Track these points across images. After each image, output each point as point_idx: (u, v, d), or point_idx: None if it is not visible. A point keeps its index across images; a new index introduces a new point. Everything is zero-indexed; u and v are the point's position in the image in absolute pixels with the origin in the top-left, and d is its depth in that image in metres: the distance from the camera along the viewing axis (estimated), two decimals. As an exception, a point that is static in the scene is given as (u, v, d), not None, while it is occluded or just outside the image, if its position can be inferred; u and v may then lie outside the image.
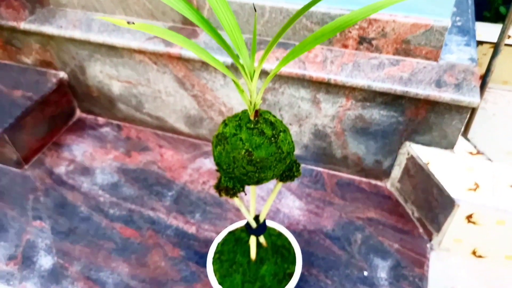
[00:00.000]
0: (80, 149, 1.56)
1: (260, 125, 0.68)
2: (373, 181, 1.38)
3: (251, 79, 0.63)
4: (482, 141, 1.48)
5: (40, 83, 1.51)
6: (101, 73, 1.46)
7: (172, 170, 1.47)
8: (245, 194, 0.79)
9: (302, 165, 1.44)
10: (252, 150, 0.66)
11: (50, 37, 1.41)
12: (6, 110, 1.41)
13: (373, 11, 0.55)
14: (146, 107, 1.51)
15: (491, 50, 1.50)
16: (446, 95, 1.04)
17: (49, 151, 1.55)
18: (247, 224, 0.91)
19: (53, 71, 1.55)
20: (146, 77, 1.39)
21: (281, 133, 0.69)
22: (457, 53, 1.16)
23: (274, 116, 0.72)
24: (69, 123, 1.66)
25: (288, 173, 0.74)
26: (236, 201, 0.79)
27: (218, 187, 0.72)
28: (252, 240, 0.96)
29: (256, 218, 0.92)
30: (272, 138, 0.67)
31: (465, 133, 1.42)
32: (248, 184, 0.72)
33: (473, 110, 1.36)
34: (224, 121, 0.71)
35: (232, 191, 0.71)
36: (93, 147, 1.56)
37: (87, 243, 1.26)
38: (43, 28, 1.37)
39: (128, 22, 0.54)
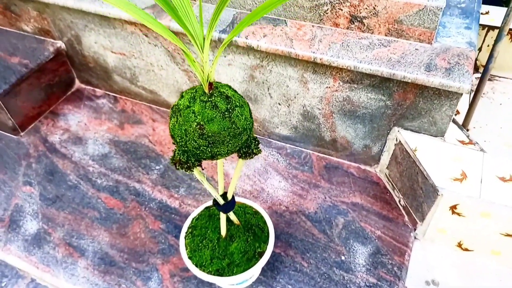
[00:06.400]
0: (75, 118, 1.58)
1: (214, 98, 0.66)
2: (363, 166, 1.35)
3: (202, 49, 0.60)
4: (485, 131, 1.42)
5: (37, 50, 1.52)
6: (96, 44, 1.46)
7: (162, 144, 1.47)
8: (203, 169, 0.78)
9: (292, 147, 1.42)
10: (203, 124, 0.64)
11: (46, 5, 1.41)
12: (1, 76, 1.43)
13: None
14: (140, 80, 1.51)
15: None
16: (435, 79, 0.99)
17: (45, 119, 1.58)
18: (215, 201, 0.90)
19: (51, 40, 1.56)
20: (138, 49, 1.38)
21: (237, 108, 0.67)
22: (455, 37, 1.10)
23: (233, 90, 0.70)
24: (67, 93, 1.67)
25: (245, 150, 0.72)
26: (196, 174, 0.77)
27: (173, 160, 0.71)
28: (222, 217, 0.95)
29: (225, 195, 0.91)
30: (226, 113, 0.65)
31: (466, 122, 1.36)
32: (203, 159, 0.70)
33: (474, 98, 1.30)
34: (182, 92, 0.70)
35: (186, 165, 0.70)
36: (88, 117, 1.58)
37: (71, 210, 1.28)
38: (39, -5, 1.37)
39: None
